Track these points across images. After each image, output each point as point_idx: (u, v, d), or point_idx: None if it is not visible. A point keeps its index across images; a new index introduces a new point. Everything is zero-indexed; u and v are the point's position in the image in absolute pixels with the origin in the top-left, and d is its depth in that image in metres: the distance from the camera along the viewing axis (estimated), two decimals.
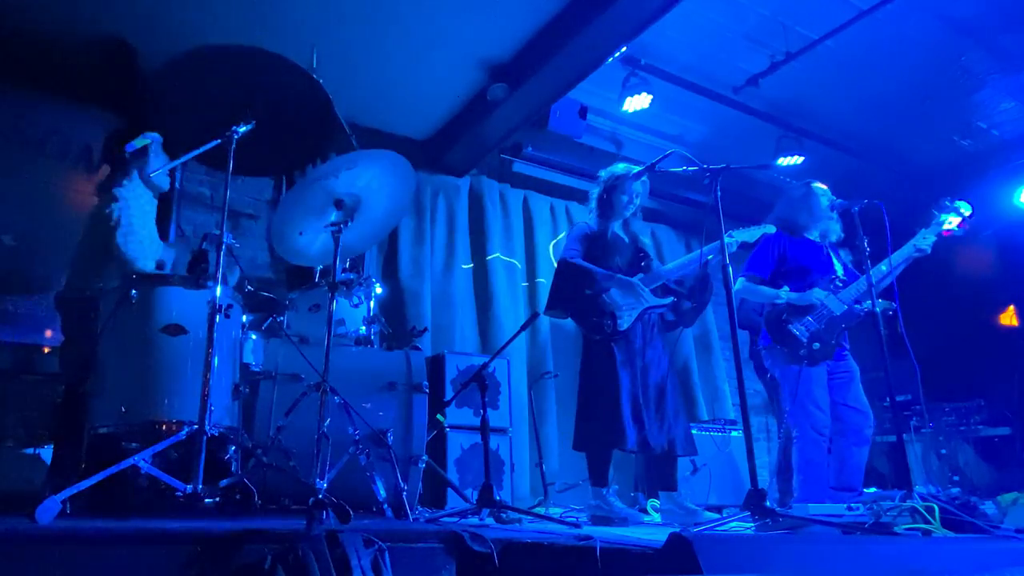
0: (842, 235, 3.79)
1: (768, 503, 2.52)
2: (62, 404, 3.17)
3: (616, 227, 3.86)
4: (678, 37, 4.90)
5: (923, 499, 2.62)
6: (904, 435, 3.27)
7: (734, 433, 5.49)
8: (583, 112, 5.50)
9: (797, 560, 1.87)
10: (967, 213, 3.50)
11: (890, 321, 3.43)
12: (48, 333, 4.19)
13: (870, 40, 4.90)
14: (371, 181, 2.93)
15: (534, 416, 5.34)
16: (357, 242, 3.21)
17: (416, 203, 5.59)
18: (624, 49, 4.64)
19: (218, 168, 2.91)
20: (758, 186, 6.53)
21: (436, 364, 4.45)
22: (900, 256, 3.54)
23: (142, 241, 3.19)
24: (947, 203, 3.55)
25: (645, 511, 4.18)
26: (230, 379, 2.83)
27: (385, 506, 2.82)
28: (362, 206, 2.96)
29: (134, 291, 2.67)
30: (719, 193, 3.04)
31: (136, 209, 3.24)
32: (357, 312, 3.55)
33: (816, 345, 3.49)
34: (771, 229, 3.77)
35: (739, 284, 3.72)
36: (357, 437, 2.84)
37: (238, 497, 2.81)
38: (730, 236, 3.52)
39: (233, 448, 2.98)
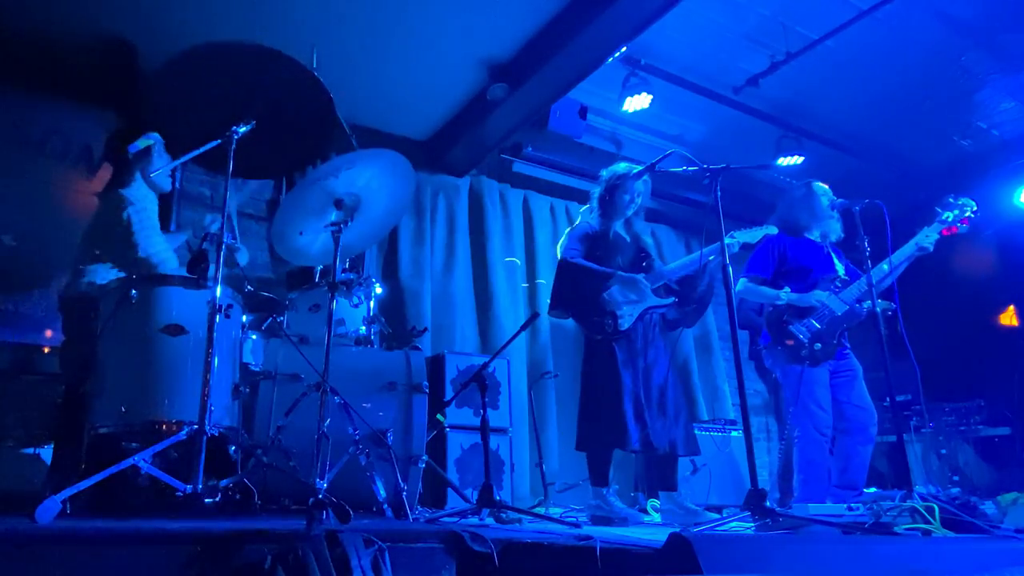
0: (843, 235, 3.80)
1: (768, 503, 2.52)
2: (62, 404, 3.17)
3: (618, 227, 3.86)
4: (678, 37, 4.90)
5: (923, 499, 2.63)
6: (904, 435, 3.27)
7: (734, 433, 5.49)
8: (583, 112, 5.50)
9: (797, 560, 1.87)
10: (973, 209, 3.50)
11: (890, 321, 3.43)
12: (48, 333, 4.19)
13: (870, 40, 4.90)
14: (371, 180, 2.92)
15: (534, 416, 5.34)
16: (357, 242, 3.20)
17: (416, 203, 5.59)
18: (624, 49, 4.64)
19: (218, 171, 2.91)
20: (758, 186, 6.53)
21: (436, 364, 4.45)
22: (902, 255, 3.54)
23: (157, 243, 3.21)
24: (951, 200, 3.55)
25: (645, 511, 4.18)
26: (230, 379, 2.83)
27: (385, 506, 2.81)
28: (362, 206, 2.96)
29: (134, 291, 2.67)
30: (719, 193, 3.05)
31: (146, 211, 3.26)
32: (357, 312, 3.55)
33: (818, 345, 3.49)
34: (773, 230, 3.77)
35: (740, 285, 3.73)
36: (357, 437, 2.83)
37: (238, 497, 2.81)
38: (732, 237, 3.52)
39: (233, 448, 2.98)
